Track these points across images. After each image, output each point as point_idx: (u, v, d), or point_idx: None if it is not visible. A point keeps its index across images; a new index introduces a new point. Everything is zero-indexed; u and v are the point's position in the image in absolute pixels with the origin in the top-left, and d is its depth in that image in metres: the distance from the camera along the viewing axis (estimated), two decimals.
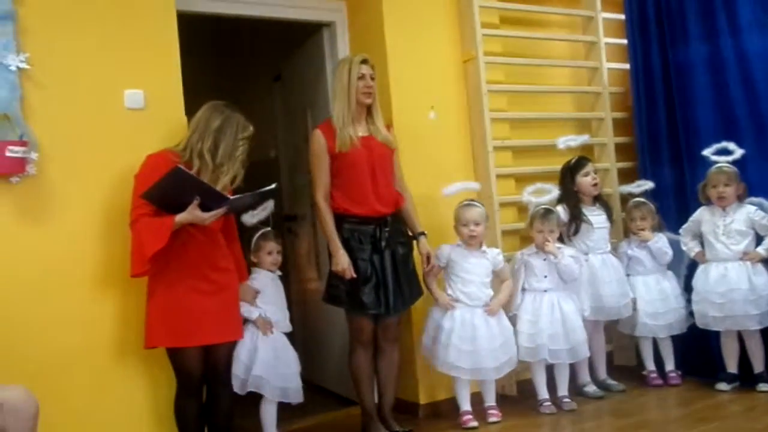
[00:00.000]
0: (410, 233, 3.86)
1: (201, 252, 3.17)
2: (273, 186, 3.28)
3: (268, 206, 3.68)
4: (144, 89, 3.40)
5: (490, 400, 3.99)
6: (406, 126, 4.14)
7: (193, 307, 3.11)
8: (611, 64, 5.02)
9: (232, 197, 3.15)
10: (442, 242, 4.01)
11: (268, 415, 3.65)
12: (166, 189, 2.98)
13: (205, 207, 3.04)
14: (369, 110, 3.77)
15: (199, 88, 3.67)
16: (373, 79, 3.74)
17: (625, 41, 5.00)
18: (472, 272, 3.91)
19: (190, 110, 3.38)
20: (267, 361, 3.52)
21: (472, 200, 4.00)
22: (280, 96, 5.29)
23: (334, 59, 4.34)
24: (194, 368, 3.18)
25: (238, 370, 3.46)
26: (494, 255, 3.99)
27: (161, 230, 3.00)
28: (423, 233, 3.87)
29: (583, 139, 4.51)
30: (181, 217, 3.03)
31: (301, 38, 4.69)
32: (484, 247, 3.98)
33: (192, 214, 3.03)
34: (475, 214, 3.92)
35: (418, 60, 4.30)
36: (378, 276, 3.64)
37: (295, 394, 3.66)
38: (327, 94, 4.26)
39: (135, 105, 3.39)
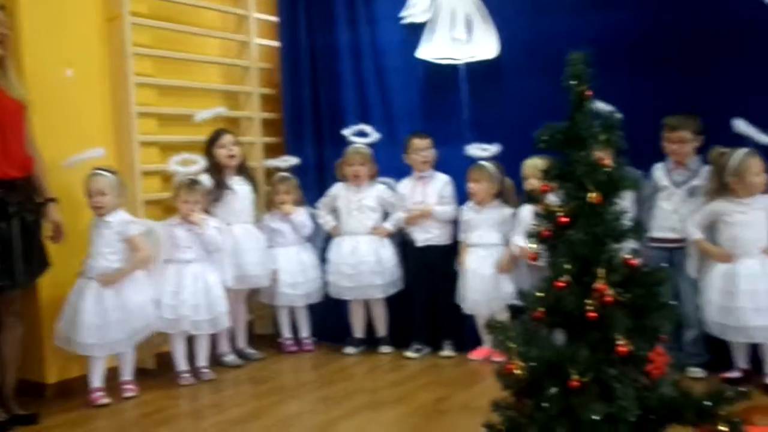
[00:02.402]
0: (38, 200, 3.56)
1: None
2: None
3: None
4: None
5: (126, 374, 3.87)
6: (40, 84, 3.77)
7: None
8: (262, 40, 5.10)
9: None
10: (75, 211, 3.77)
11: None
12: None
13: None
14: (1, 62, 3.40)
15: None
16: (7, 27, 3.39)
17: (277, 18, 5.12)
18: (96, 243, 3.74)
19: None
20: None
21: (102, 168, 3.79)
22: None
23: None
24: None
25: None
26: (119, 223, 3.77)
27: None
28: (53, 199, 3.60)
29: (217, 111, 4.54)
30: None
31: None
32: (109, 218, 3.76)
33: None
34: (101, 183, 3.72)
35: (56, 11, 3.94)
36: (5, 245, 3.33)
37: None
38: None
39: None
